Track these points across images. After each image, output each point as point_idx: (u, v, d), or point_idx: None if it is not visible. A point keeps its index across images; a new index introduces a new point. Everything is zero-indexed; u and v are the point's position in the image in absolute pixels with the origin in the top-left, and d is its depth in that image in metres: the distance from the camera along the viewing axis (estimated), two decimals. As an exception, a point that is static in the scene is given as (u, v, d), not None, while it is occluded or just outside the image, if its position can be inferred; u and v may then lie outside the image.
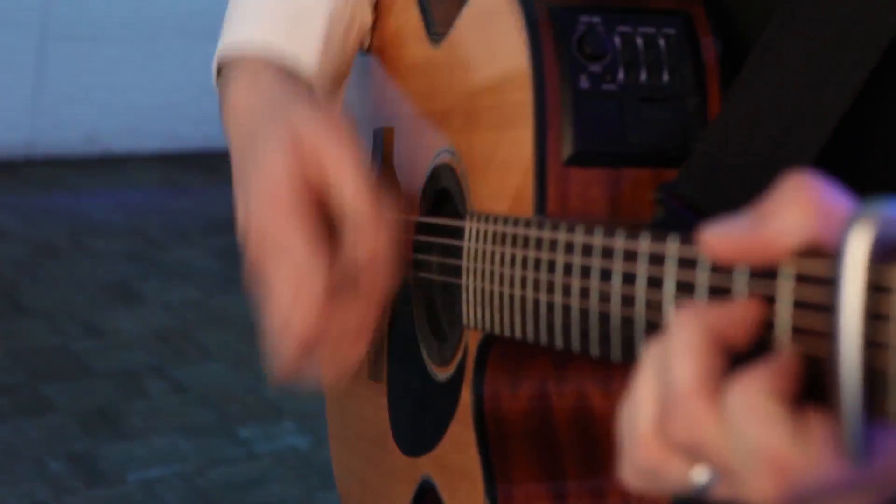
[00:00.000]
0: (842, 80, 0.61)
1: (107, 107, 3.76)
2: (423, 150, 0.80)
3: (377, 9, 0.87)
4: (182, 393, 2.58)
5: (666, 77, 0.64)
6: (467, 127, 0.73)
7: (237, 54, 0.77)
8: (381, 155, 0.84)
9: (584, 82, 0.63)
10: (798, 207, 0.41)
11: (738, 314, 0.42)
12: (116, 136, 3.83)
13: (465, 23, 0.74)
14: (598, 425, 0.67)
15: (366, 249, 0.67)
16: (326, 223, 0.68)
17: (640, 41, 0.64)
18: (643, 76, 0.64)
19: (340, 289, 0.67)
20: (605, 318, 0.52)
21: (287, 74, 0.76)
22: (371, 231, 0.67)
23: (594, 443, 0.67)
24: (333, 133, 0.68)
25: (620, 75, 0.64)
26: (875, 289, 0.37)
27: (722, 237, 0.43)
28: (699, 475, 0.42)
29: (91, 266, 3.20)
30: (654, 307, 0.49)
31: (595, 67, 0.63)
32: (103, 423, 2.42)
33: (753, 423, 0.39)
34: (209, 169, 3.83)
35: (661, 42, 0.64)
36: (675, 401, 0.41)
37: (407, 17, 0.83)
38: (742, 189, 0.61)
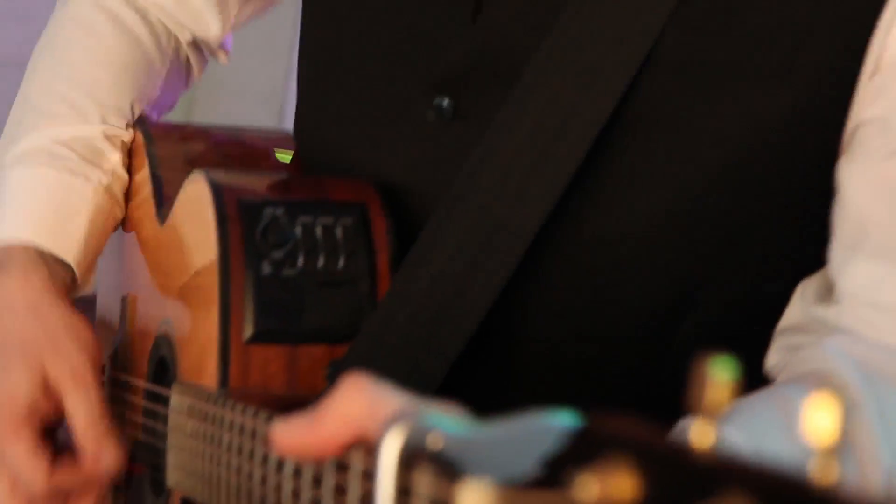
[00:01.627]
0: (488, 274, 0.68)
1: None
2: (153, 319, 0.85)
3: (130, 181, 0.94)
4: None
5: (341, 263, 0.70)
6: (181, 302, 0.78)
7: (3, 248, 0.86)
8: (126, 321, 0.89)
9: (266, 268, 0.69)
10: (350, 405, 0.46)
11: None
12: None
13: (179, 208, 0.81)
14: None
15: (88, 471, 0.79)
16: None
17: (319, 230, 0.70)
18: (321, 262, 0.70)
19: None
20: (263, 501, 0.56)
21: (50, 278, 0.84)
22: (93, 459, 0.79)
23: None
24: (76, 378, 0.80)
25: (300, 261, 0.69)
26: (402, 492, 0.42)
27: (286, 434, 0.48)
28: None
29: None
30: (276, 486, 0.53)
31: (277, 254, 0.69)
32: None
33: None
34: None
35: (339, 231, 0.70)
36: None
37: (145, 194, 0.89)
38: (399, 368, 0.68)
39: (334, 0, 0.86)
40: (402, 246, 0.72)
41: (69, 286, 0.87)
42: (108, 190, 0.90)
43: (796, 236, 0.73)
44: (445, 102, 0.77)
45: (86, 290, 0.91)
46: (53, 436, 0.82)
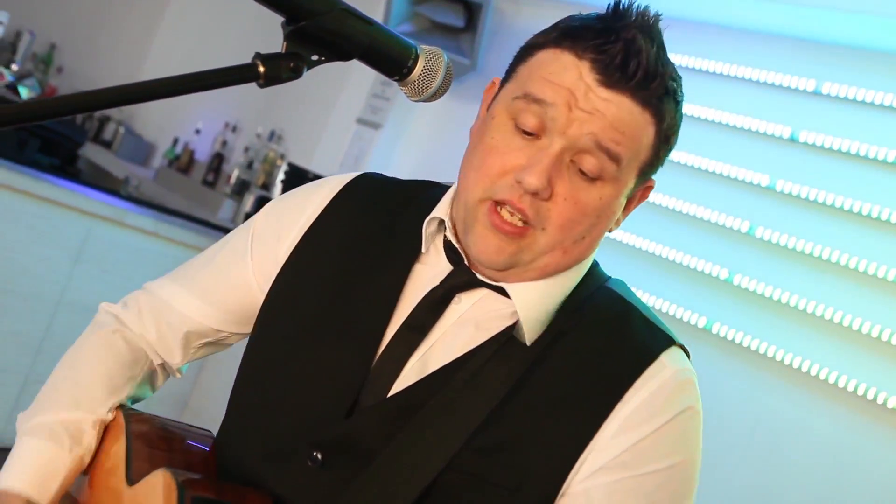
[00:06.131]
0: None
1: None
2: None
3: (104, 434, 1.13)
4: None
5: None
6: None
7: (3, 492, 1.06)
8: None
9: None
10: None
11: None
12: None
13: (145, 483, 1.00)
14: None
15: None
16: None
17: None
18: None
19: None
20: None
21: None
22: None
23: None
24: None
25: None
26: None
27: None
28: None
29: None
30: None
31: None
32: None
33: None
34: None
35: None
36: None
37: (117, 454, 1.10)
38: None
39: (259, 373, 1.08)
40: None
41: None
42: (81, 459, 1.11)
43: None
44: (319, 456, 0.99)
45: None
46: None
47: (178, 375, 1.27)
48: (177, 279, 1.23)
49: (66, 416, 1.12)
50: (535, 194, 0.98)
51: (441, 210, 1.09)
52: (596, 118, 0.97)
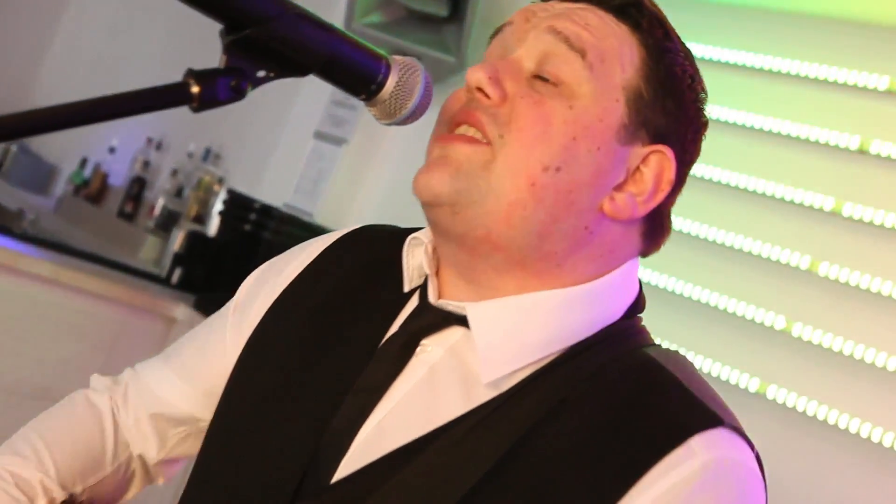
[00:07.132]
0: None
1: None
2: None
3: None
4: None
5: None
6: None
7: None
8: None
9: None
10: None
11: None
12: None
13: None
14: None
15: None
16: None
17: None
18: None
19: None
20: None
21: None
22: None
23: None
24: None
25: None
26: None
27: None
28: None
29: None
30: None
31: None
32: None
33: None
34: None
35: None
36: None
37: None
38: None
39: (204, 459, 1.13)
40: None
41: None
42: None
43: None
44: None
45: None
46: None
47: (160, 480, 1.32)
48: (165, 356, 1.30)
49: (23, 473, 1.19)
50: (480, 92, 1.02)
51: (424, 231, 1.10)
52: (556, 15, 1.07)
